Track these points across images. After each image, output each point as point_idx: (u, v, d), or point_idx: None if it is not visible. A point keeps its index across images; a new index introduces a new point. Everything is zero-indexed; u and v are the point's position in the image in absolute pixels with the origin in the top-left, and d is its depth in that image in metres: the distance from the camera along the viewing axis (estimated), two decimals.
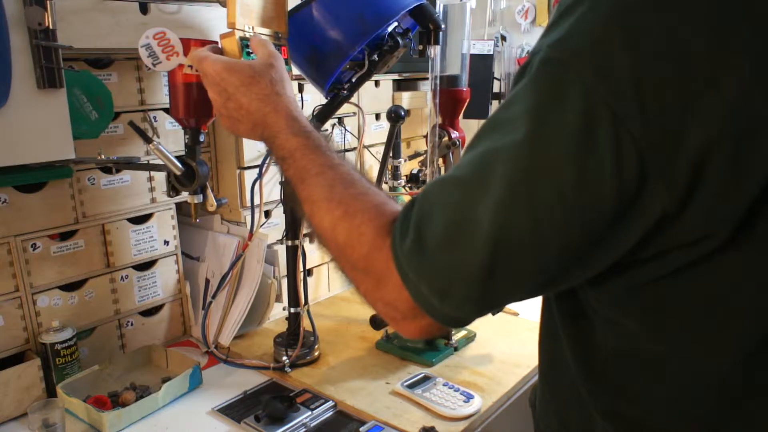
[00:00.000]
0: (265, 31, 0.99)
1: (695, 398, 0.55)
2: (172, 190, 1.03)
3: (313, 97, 1.18)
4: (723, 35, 0.45)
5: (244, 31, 0.94)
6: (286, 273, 1.21)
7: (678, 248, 0.50)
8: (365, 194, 0.63)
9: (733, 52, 0.45)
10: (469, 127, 1.53)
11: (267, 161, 1.22)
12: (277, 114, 0.75)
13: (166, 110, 1.19)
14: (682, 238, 0.49)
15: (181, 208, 1.29)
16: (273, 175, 1.31)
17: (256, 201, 1.22)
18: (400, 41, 1.06)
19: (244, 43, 0.93)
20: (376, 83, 1.58)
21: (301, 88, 1.36)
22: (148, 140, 0.97)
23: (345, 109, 1.23)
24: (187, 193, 1.04)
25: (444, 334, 0.58)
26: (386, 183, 1.48)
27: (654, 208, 0.47)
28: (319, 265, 1.51)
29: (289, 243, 1.18)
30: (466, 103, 1.38)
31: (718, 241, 0.49)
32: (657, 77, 0.44)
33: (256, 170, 1.29)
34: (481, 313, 0.56)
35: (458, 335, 1.26)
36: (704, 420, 0.55)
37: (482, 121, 1.72)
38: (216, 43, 0.97)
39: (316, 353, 1.21)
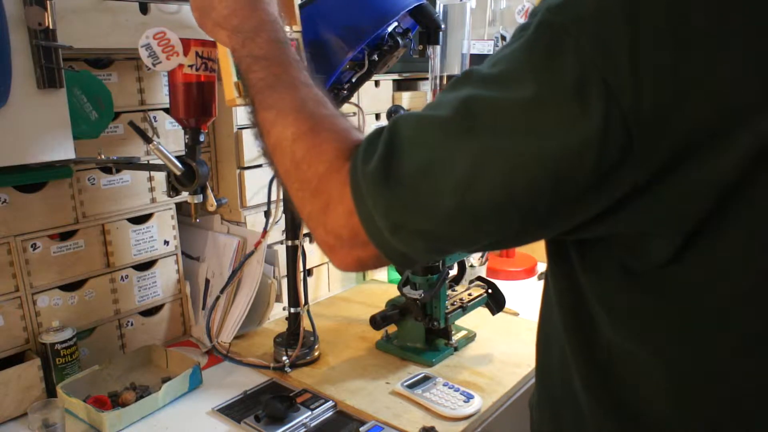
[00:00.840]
0: None
1: (695, 398, 0.55)
2: (172, 190, 1.03)
3: None
4: (723, 17, 0.45)
5: None
6: (286, 273, 1.21)
7: (645, 235, 0.50)
8: (335, 117, 0.62)
9: (733, 32, 0.44)
10: None
11: None
12: (266, 12, 0.71)
13: (166, 110, 1.19)
14: (646, 221, 0.49)
15: (181, 208, 1.29)
16: (273, 175, 1.31)
17: (272, 198, 1.22)
18: (400, 41, 1.06)
19: None
20: (376, 83, 1.58)
21: None
22: (148, 140, 0.97)
23: (345, 109, 1.23)
24: (187, 193, 1.04)
25: (377, 268, 0.57)
26: None
27: (625, 182, 0.47)
28: (319, 265, 1.51)
29: (289, 243, 1.18)
30: None
31: (685, 234, 0.49)
32: (655, 55, 0.44)
33: (256, 170, 1.30)
34: (427, 257, 0.56)
35: (458, 335, 1.26)
36: (704, 420, 0.55)
37: None
38: (215, 43, 0.97)
39: (316, 353, 1.21)
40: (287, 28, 1.00)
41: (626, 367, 0.57)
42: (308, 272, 1.45)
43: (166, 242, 1.25)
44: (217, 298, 1.24)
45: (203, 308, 1.29)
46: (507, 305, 1.28)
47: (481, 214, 0.50)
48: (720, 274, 0.50)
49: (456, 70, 1.36)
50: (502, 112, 0.49)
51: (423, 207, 0.51)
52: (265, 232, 1.23)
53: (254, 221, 1.31)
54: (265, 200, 1.28)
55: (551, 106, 0.47)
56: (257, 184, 1.24)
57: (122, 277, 1.19)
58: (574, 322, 0.61)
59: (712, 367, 0.53)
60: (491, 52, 1.65)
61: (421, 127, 0.53)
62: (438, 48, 1.11)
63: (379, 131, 0.56)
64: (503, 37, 1.72)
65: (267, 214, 1.22)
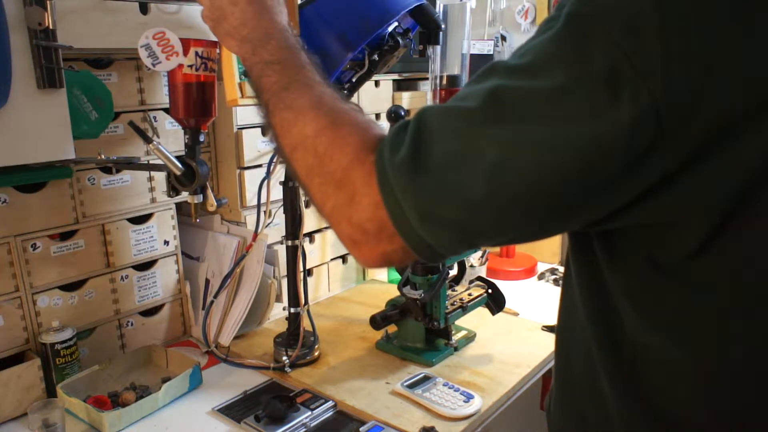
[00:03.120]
0: None
1: (722, 396, 0.54)
2: (172, 190, 1.03)
3: None
4: (748, 4, 0.45)
5: None
6: (286, 273, 1.21)
7: (673, 226, 0.50)
8: (353, 111, 0.63)
9: (757, 19, 0.45)
10: None
11: (275, 160, 1.21)
12: (274, 21, 0.74)
13: (166, 110, 1.19)
14: (674, 210, 0.49)
15: (181, 208, 1.29)
16: (263, 177, 1.31)
17: (262, 200, 1.21)
18: (400, 41, 1.06)
19: None
20: (376, 83, 1.58)
21: None
22: (148, 140, 0.97)
23: None
24: (187, 193, 1.04)
25: (402, 266, 0.55)
26: None
27: (655, 171, 0.47)
28: (319, 265, 1.51)
29: (289, 243, 1.18)
30: None
31: (712, 225, 0.48)
32: (683, 43, 0.45)
33: (256, 170, 1.30)
34: (454, 249, 0.55)
35: (458, 335, 1.26)
36: (732, 418, 0.55)
37: None
38: (215, 43, 0.97)
39: (316, 353, 1.21)
40: None
41: (653, 363, 0.57)
42: (308, 272, 1.45)
43: (166, 242, 1.25)
44: (211, 303, 1.24)
45: (203, 308, 1.29)
46: (507, 305, 1.28)
47: (510, 203, 0.50)
48: (746, 267, 0.50)
49: (456, 70, 1.35)
50: (530, 100, 0.49)
51: (452, 196, 0.51)
52: (255, 234, 1.23)
53: (254, 221, 1.31)
54: (265, 200, 1.28)
55: (581, 93, 0.47)
56: (257, 184, 1.24)
57: (122, 277, 1.19)
58: (599, 319, 0.60)
59: (738, 365, 0.53)
60: (491, 52, 1.66)
61: (449, 118, 0.53)
62: (438, 48, 1.10)
63: (405, 124, 0.56)
64: (503, 37, 1.72)
65: (258, 216, 1.22)
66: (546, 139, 0.48)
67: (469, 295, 1.25)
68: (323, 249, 1.52)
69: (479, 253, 1.55)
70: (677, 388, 0.56)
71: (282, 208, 1.19)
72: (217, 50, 0.97)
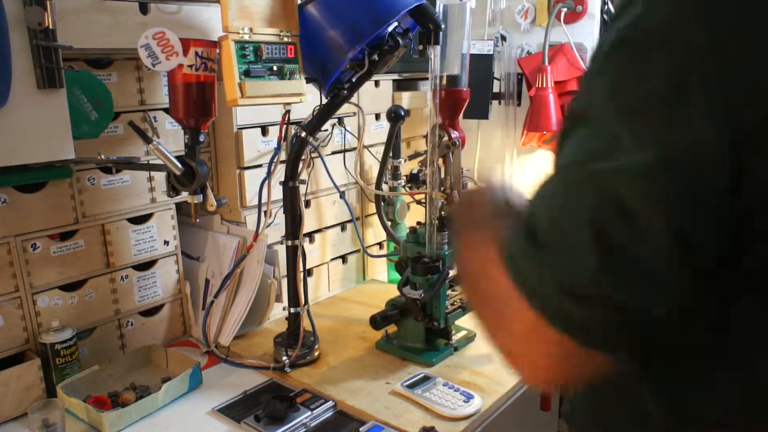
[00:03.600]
0: (270, 30, 0.99)
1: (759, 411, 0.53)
2: (172, 190, 1.03)
3: (313, 97, 1.18)
4: None
5: (239, 33, 0.95)
6: (286, 273, 1.21)
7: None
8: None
9: None
10: (469, 128, 1.53)
11: (275, 160, 1.21)
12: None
13: (166, 110, 1.19)
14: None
15: (181, 208, 1.29)
16: (264, 177, 1.30)
17: (263, 200, 1.21)
18: (400, 41, 1.06)
19: (238, 46, 0.94)
20: (376, 83, 1.58)
21: None
22: (148, 140, 0.97)
23: (345, 109, 1.23)
24: (187, 193, 1.04)
25: (574, 383, 0.57)
26: (386, 183, 1.48)
27: (751, 183, 0.46)
28: (319, 265, 1.51)
29: (289, 243, 1.18)
30: (466, 103, 1.38)
31: None
32: (732, 50, 0.45)
33: (256, 170, 1.30)
34: (609, 325, 0.50)
35: (458, 335, 1.26)
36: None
37: (482, 122, 1.67)
38: (215, 43, 0.97)
39: (316, 353, 1.21)
40: (286, 32, 1.01)
41: (674, 363, 0.56)
42: (308, 272, 1.45)
43: (166, 242, 1.25)
44: (211, 303, 1.23)
45: (203, 308, 1.29)
46: None
47: (622, 250, 0.46)
48: None
49: (456, 70, 1.35)
50: (605, 141, 0.48)
51: (574, 259, 0.48)
52: (256, 234, 1.23)
53: (254, 221, 1.31)
54: (266, 200, 1.28)
55: (652, 117, 0.46)
56: (257, 184, 1.24)
57: (122, 277, 1.19)
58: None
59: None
60: (491, 52, 1.65)
61: (548, 191, 0.52)
62: (438, 48, 1.10)
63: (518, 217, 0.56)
64: (503, 37, 1.72)
65: (258, 216, 1.22)
66: (637, 166, 0.46)
67: None
68: (323, 249, 1.52)
69: None
70: (693, 387, 0.56)
71: (282, 208, 1.19)
72: (217, 50, 0.97)
